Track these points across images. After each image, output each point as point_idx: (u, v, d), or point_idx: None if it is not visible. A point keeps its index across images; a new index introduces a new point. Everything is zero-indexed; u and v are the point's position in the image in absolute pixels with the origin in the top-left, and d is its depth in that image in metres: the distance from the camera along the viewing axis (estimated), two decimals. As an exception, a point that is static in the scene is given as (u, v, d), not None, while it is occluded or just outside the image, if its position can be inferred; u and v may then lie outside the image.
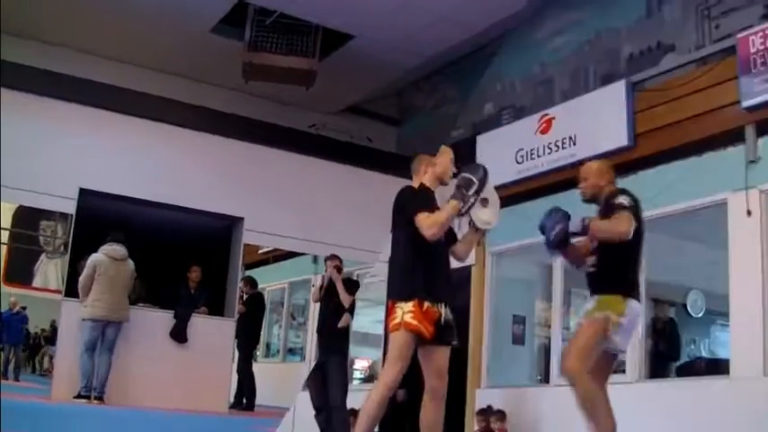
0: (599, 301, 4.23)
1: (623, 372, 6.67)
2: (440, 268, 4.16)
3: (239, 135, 9.44)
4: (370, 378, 11.93)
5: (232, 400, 9.44)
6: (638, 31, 7.59)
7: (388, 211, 4.43)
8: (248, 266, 13.54)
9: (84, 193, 8.16)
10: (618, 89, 7.35)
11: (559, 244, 4.33)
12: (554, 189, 7.44)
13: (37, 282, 20.24)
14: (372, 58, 9.75)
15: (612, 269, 4.27)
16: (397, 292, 4.10)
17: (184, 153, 9.07)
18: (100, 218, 8.19)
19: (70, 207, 8.21)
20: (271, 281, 14.37)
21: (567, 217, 4.27)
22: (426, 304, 3.97)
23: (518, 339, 8.76)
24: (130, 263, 8.00)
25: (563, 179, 7.02)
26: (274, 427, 6.40)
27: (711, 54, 6.79)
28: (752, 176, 6.15)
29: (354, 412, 6.28)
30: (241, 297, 9.78)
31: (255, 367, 9.93)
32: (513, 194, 7.60)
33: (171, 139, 9.02)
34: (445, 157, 4.33)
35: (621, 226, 4.08)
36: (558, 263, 7.42)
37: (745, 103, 6.19)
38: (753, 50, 6.14)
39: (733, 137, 6.39)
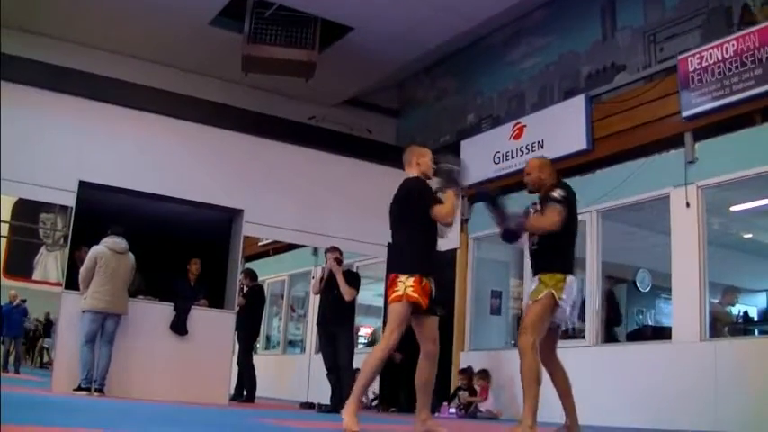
0: (542, 280, 4.83)
1: (583, 338, 8.18)
2: (433, 249, 4.85)
3: (239, 127, 9.43)
4: (372, 342, 13.60)
5: (232, 392, 9.45)
6: (595, 53, 8.95)
7: (389, 202, 4.84)
8: (248, 259, 13.59)
9: (83, 185, 8.14)
10: (578, 102, 8.69)
11: (511, 239, 5.15)
12: (525, 185, 8.45)
13: (37, 274, 20.27)
14: (372, 50, 9.72)
15: (553, 250, 4.90)
16: (400, 266, 4.70)
17: (184, 145, 9.06)
18: (99, 210, 8.18)
19: (70, 200, 8.19)
20: (271, 273, 14.40)
21: (505, 219, 5.02)
22: (425, 280, 4.61)
23: (495, 310, 10.33)
24: (131, 256, 7.99)
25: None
26: (275, 418, 6.39)
27: (656, 72, 8.07)
28: (690, 174, 7.39)
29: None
30: (241, 289, 9.77)
31: (256, 359, 9.95)
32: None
33: (170, 131, 9.01)
34: (426, 157, 4.97)
35: (549, 220, 4.81)
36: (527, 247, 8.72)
37: (685, 114, 7.44)
38: (691, 69, 7.39)
39: (674, 141, 7.63)
